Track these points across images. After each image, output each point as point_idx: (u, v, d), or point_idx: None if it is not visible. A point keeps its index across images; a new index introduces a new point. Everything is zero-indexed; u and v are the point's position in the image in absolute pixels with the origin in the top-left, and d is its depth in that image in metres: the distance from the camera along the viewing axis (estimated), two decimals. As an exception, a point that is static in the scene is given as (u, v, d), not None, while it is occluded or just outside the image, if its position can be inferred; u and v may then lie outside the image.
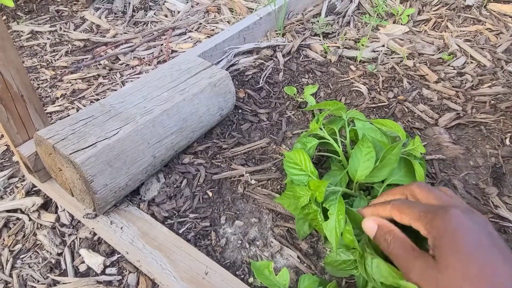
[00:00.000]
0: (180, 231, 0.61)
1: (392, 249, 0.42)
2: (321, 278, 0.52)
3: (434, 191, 0.43)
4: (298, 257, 0.58)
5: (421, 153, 0.55)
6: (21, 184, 0.71)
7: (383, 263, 0.42)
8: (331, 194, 0.50)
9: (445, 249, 0.37)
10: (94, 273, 0.58)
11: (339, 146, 0.59)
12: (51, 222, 0.65)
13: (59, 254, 0.61)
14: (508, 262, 0.36)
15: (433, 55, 1.00)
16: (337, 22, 1.15)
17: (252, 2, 1.28)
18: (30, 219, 0.66)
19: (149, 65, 1.01)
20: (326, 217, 0.49)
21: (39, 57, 1.04)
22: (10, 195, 0.69)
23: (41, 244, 0.63)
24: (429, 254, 0.39)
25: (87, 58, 1.03)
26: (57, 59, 1.03)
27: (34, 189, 0.70)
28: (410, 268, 0.39)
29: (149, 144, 0.61)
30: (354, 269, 0.48)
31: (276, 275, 0.49)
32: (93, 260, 0.59)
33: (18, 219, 0.66)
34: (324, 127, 0.61)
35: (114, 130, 0.58)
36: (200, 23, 1.19)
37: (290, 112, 0.83)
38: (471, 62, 0.98)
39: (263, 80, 0.91)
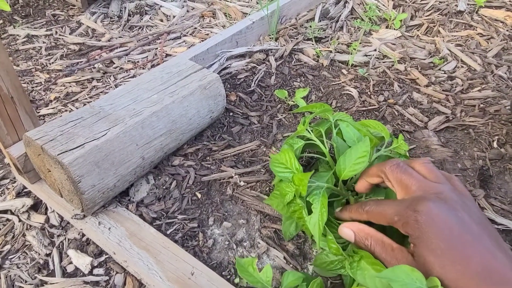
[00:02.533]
0: (168, 232, 0.62)
1: (374, 252, 0.43)
2: (306, 274, 0.52)
3: (405, 174, 0.43)
4: (284, 258, 0.58)
5: (405, 151, 0.56)
6: (12, 186, 0.71)
7: (369, 268, 0.42)
8: (315, 189, 0.51)
9: (420, 248, 0.38)
10: (81, 273, 0.59)
11: (325, 147, 0.60)
12: (40, 223, 0.65)
13: (48, 255, 0.61)
14: (481, 243, 0.37)
15: (425, 59, 1.01)
16: (330, 27, 1.16)
17: (247, 7, 1.30)
18: (19, 220, 0.66)
19: (143, 68, 1.02)
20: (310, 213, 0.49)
21: (34, 61, 1.05)
22: (1, 196, 0.70)
23: (30, 245, 0.63)
24: (409, 251, 0.40)
25: (81, 61, 1.04)
26: (52, 63, 1.04)
27: (25, 190, 0.70)
28: (394, 263, 0.40)
29: (137, 145, 0.62)
30: (341, 268, 0.48)
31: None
32: (81, 260, 0.59)
33: (8, 220, 0.67)
34: (312, 129, 0.62)
35: (103, 132, 0.59)
36: (195, 28, 1.20)
37: (281, 115, 0.84)
38: (462, 67, 0.99)
39: (255, 83, 0.92)
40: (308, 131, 0.60)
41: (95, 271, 0.59)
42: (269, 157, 0.73)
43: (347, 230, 0.46)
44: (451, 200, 0.40)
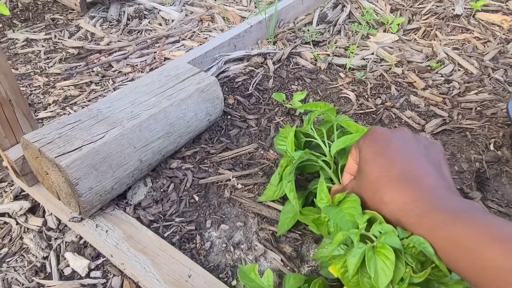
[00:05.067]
0: (165, 235, 0.62)
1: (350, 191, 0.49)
2: (307, 276, 0.52)
3: (362, 147, 0.47)
4: (281, 260, 0.58)
5: None
6: (10, 189, 0.71)
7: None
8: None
9: (359, 163, 0.45)
10: (78, 276, 0.59)
11: (326, 146, 0.60)
12: (38, 226, 0.65)
13: (45, 258, 0.61)
14: (410, 154, 0.43)
15: (422, 62, 1.02)
16: (328, 31, 1.17)
17: (245, 11, 1.30)
18: (17, 223, 0.66)
19: (141, 72, 1.03)
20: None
21: (33, 64, 1.05)
22: (-1, 199, 0.70)
23: (27, 247, 0.63)
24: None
25: (80, 65, 1.04)
26: (51, 66, 1.04)
27: (23, 193, 0.70)
28: (349, 193, 0.47)
29: (135, 148, 0.62)
30: None
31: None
32: (78, 263, 0.59)
33: (5, 223, 0.67)
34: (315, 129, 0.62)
35: (100, 134, 0.59)
36: (194, 32, 1.21)
37: (279, 118, 0.84)
38: (459, 70, 0.99)
39: (252, 86, 0.92)
40: (312, 129, 0.60)
41: (92, 273, 0.59)
42: (268, 159, 0.74)
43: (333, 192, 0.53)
44: (398, 128, 0.47)
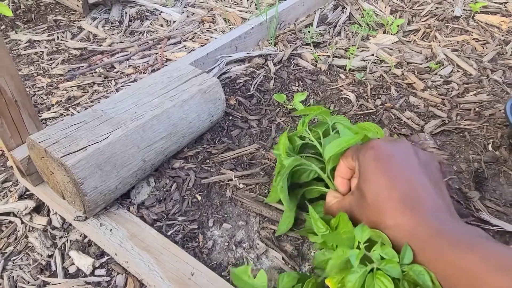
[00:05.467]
0: (169, 233, 0.63)
1: (335, 209, 0.50)
2: (301, 274, 0.53)
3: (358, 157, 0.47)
4: (283, 258, 0.59)
5: None
6: (15, 188, 0.72)
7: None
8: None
9: (359, 180, 0.44)
10: (83, 274, 0.60)
11: (322, 148, 0.61)
12: (42, 225, 0.66)
13: (50, 256, 0.62)
14: (411, 172, 0.42)
15: (421, 64, 1.03)
16: (328, 32, 1.18)
17: (246, 12, 1.31)
18: (22, 222, 0.67)
19: (143, 73, 1.04)
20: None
21: (36, 65, 1.06)
22: (4, 199, 0.71)
23: (32, 246, 0.64)
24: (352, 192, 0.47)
25: (83, 66, 1.05)
26: (54, 67, 1.05)
27: (27, 193, 0.71)
28: (348, 210, 0.46)
29: (139, 148, 0.63)
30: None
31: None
32: (83, 261, 0.60)
33: (10, 222, 0.68)
34: (310, 131, 0.63)
35: (105, 135, 0.60)
36: (195, 33, 1.22)
37: (280, 119, 0.85)
38: (458, 71, 1.00)
39: (254, 87, 0.93)
40: (307, 131, 0.62)
41: (97, 272, 0.60)
42: (269, 159, 0.75)
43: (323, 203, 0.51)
44: (399, 142, 0.45)
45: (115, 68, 1.06)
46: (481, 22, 1.20)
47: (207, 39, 1.18)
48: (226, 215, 0.66)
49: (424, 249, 0.38)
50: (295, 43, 1.10)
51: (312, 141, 0.61)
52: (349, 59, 1.03)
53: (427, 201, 0.40)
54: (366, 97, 0.91)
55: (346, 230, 0.45)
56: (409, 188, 0.40)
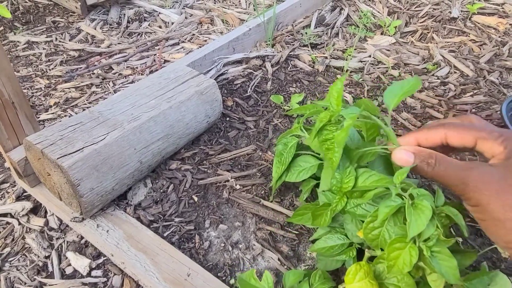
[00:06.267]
0: (165, 234, 0.63)
1: (439, 170, 0.40)
2: (306, 271, 0.53)
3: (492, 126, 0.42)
4: (278, 259, 0.59)
5: None
6: (12, 190, 0.72)
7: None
8: None
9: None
10: (80, 275, 0.60)
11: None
12: (39, 226, 0.66)
13: (47, 257, 0.63)
14: None
15: (418, 65, 1.03)
16: (326, 33, 1.18)
17: (244, 14, 1.32)
18: (19, 223, 0.67)
19: (141, 74, 1.04)
20: None
21: (34, 67, 1.06)
22: (1, 200, 0.71)
23: (30, 247, 0.64)
24: (487, 163, 0.39)
25: (81, 67, 1.06)
26: (52, 69, 1.05)
27: (25, 194, 0.72)
28: (465, 178, 0.38)
29: (135, 149, 0.63)
30: (342, 254, 0.50)
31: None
32: (79, 262, 0.60)
33: (7, 223, 0.68)
34: (305, 130, 0.63)
35: (101, 136, 0.60)
36: (193, 34, 1.22)
37: (277, 120, 0.85)
38: (455, 72, 1.00)
39: (251, 89, 0.93)
40: (302, 130, 0.62)
41: (93, 272, 0.60)
42: (265, 160, 0.75)
43: (405, 153, 0.41)
44: None
45: (113, 69, 1.06)
46: (478, 23, 1.21)
47: (205, 40, 1.18)
48: (222, 216, 0.66)
49: None
50: (293, 45, 1.11)
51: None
52: (346, 60, 1.03)
53: None
54: (363, 98, 0.91)
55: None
56: None
